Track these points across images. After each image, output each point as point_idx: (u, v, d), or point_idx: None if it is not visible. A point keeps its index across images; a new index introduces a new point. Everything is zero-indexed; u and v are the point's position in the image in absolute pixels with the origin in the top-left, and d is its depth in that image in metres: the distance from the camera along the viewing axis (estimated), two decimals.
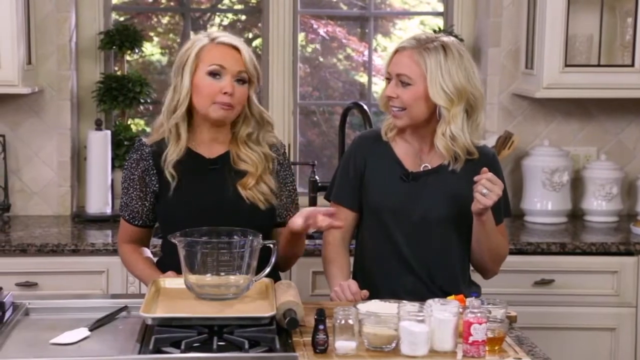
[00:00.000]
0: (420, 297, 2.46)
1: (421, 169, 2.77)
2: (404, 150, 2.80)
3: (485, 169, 2.62)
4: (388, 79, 2.75)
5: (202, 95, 2.66)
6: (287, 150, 2.88)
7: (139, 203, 2.76)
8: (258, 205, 2.69)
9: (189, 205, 2.69)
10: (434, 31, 4.15)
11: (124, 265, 2.90)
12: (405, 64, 2.69)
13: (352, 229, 2.88)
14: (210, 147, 2.74)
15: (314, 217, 2.57)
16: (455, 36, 4.12)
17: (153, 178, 2.73)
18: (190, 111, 2.71)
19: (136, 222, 2.79)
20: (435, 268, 2.76)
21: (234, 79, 2.66)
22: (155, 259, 2.87)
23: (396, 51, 2.74)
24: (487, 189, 2.58)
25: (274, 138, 2.81)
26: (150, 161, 2.73)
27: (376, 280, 2.76)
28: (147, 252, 2.88)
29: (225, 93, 2.64)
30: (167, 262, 2.73)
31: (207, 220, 2.58)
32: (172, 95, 2.71)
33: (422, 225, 2.74)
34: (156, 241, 3.08)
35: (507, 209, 2.86)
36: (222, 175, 2.71)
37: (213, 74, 2.65)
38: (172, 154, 2.69)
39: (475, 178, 2.60)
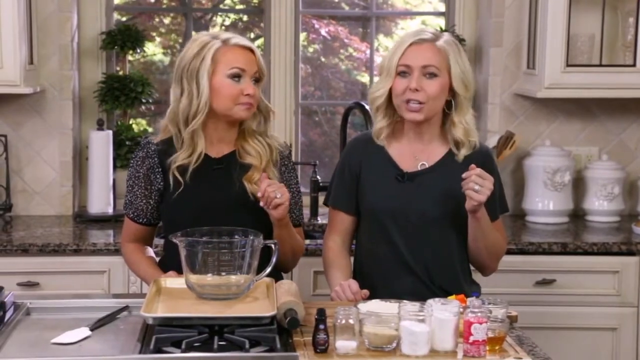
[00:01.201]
0: (420, 297, 2.46)
1: (419, 167, 2.77)
2: (399, 151, 2.80)
3: (472, 165, 2.62)
4: (400, 73, 2.70)
5: (223, 97, 2.66)
6: (291, 153, 2.89)
7: (144, 201, 2.77)
8: None
9: (192, 204, 2.69)
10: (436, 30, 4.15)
11: (127, 265, 2.91)
12: (431, 54, 2.69)
13: (352, 232, 2.88)
14: (217, 147, 2.75)
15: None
16: (457, 36, 4.13)
17: (158, 176, 2.73)
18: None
19: (140, 220, 2.79)
20: (434, 268, 2.76)
21: (251, 80, 2.69)
22: (157, 259, 2.87)
23: (411, 44, 2.70)
24: (478, 185, 2.58)
25: (278, 140, 2.81)
26: (156, 159, 2.73)
27: (376, 282, 2.76)
28: (150, 251, 2.88)
29: (247, 94, 2.66)
30: (169, 262, 2.73)
31: (211, 219, 2.60)
32: (187, 102, 2.67)
33: (420, 225, 2.74)
34: (157, 241, 3.08)
35: (504, 205, 2.87)
36: (228, 173, 2.72)
37: (234, 77, 2.66)
38: (182, 159, 2.69)
39: (464, 175, 2.61)
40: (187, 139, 2.69)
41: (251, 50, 2.71)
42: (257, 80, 2.71)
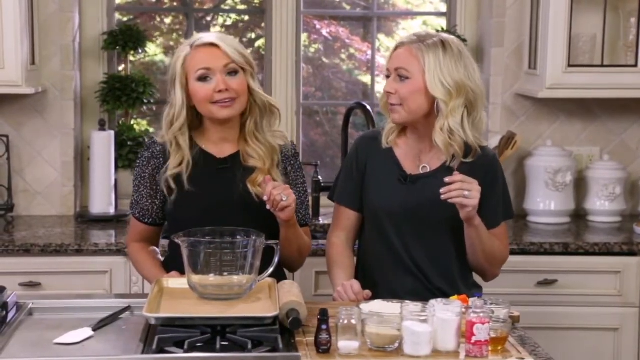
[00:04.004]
0: (420, 297, 2.46)
1: (420, 170, 2.76)
2: (404, 153, 2.79)
3: (455, 173, 2.58)
4: (388, 77, 2.75)
5: (199, 101, 2.69)
6: (297, 152, 2.89)
7: (149, 201, 2.78)
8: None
9: (197, 204, 2.70)
10: (437, 31, 4.15)
11: (132, 264, 2.92)
12: (404, 57, 2.69)
13: (356, 230, 2.87)
14: (221, 147, 2.76)
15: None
16: (458, 36, 4.13)
17: (163, 177, 2.74)
18: (198, 116, 2.74)
19: (146, 220, 2.80)
20: (434, 271, 2.75)
21: (224, 74, 2.68)
22: (162, 259, 2.88)
23: (396, 47, 2.75)
24: (467, 190, 2.55)
25: (283, 140, 2.81)
26: (161, 159, 2.75)
27: (377, 281, 2.76)
28: (156, 252, 2.89)
29: (219, 91, 2.66)
30: (173, 262, 2.73)
31: (216, 218, 2.60)
32: (168, 109, 2.74)
33: (420, 228, 2.73)
34: (162, 241, 3.08)
35: (509, 211, 2.83)
36: (232, 173, 2.73)
37: (202, 79, 2.68)
38: (173, 167, 2.71)
39: (442, 190, 2.55)
40: (173, 145, 2.72)
41: (215, 45, 2.69)
42: (234, 72, 2.70)
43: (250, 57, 2.74)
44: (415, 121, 2.73)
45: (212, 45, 2.69)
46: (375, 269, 2.80)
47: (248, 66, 2.72)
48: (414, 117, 2.71)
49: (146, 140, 2.87)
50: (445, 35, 2.74)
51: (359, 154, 2.84)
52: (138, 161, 2.80)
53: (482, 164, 2.70)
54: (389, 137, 2.80)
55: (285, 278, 2.77)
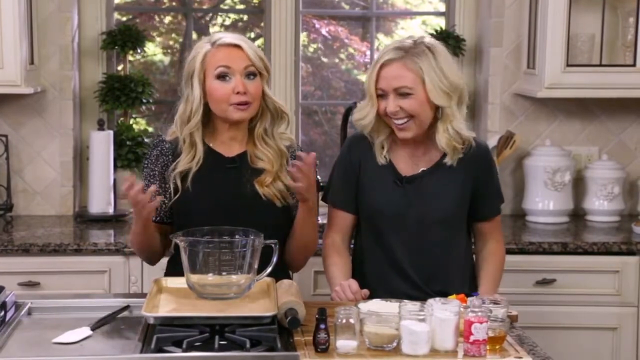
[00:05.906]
0: (417, 300, 2.46)
1: (417, 171, 2.75)
2: (398, 154, 2.78)
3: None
4: (380, 96, 2.68)
5: (216, 100, 2.68)
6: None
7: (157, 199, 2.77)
8: (274, 203, 2.70)
9: (205, 202, 2.70)
10: (436, 30, 4.15)
11: (133, 245, 2.83)
12: (401, 75, 2.65)
13: (351, 230, 2.87)
14: (229, 146, 2.76)
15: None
16: (457, 36, 4.13)
17: (172, 174, 2.74)
18: (207, 114, 2.73)
19: (153, 219, 2.79)
20: (431, 273, 2.75)
21: (243, 76, 2.67)
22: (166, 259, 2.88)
23: (382, 66, 2.67)
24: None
25: (289, 140, 2.81)
26: (170, 157, 2.75)
27: (373, 282, 2.75)
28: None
29: (237, 93, 2.65)
30: (177, 262, 2.72)
31: (223, 217, 2.60)
32: (184, 105, 2.72)
33: (418, 230, 2.73)
34: None
35: (501, 196, 2.85)
36: (240, 173, 2.73)
37: (221, 77, 2.67)
38: (184, 163, 2.70)
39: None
40: (187, 141, 2.71)
41: (238, 46, 2.69)
42: (252, 75, 2.70)
43: (267, 62, 2.75)
44: (423, 132, 2.72)
45: (235, 45, 2.69)
46: (372, 272, 2.79)
47: (265, 71, 2.73)
48: (424, 128, 2.70)
49: (151, 138, 2.85)
50: (426, 39, 2.71)
51: (352, 154, 2.83)
52: (146, 160, 2.80)
53: (476, 155, 2.73)
54: (384, 152, 2.77)
55: (289, 276, 2.77)
